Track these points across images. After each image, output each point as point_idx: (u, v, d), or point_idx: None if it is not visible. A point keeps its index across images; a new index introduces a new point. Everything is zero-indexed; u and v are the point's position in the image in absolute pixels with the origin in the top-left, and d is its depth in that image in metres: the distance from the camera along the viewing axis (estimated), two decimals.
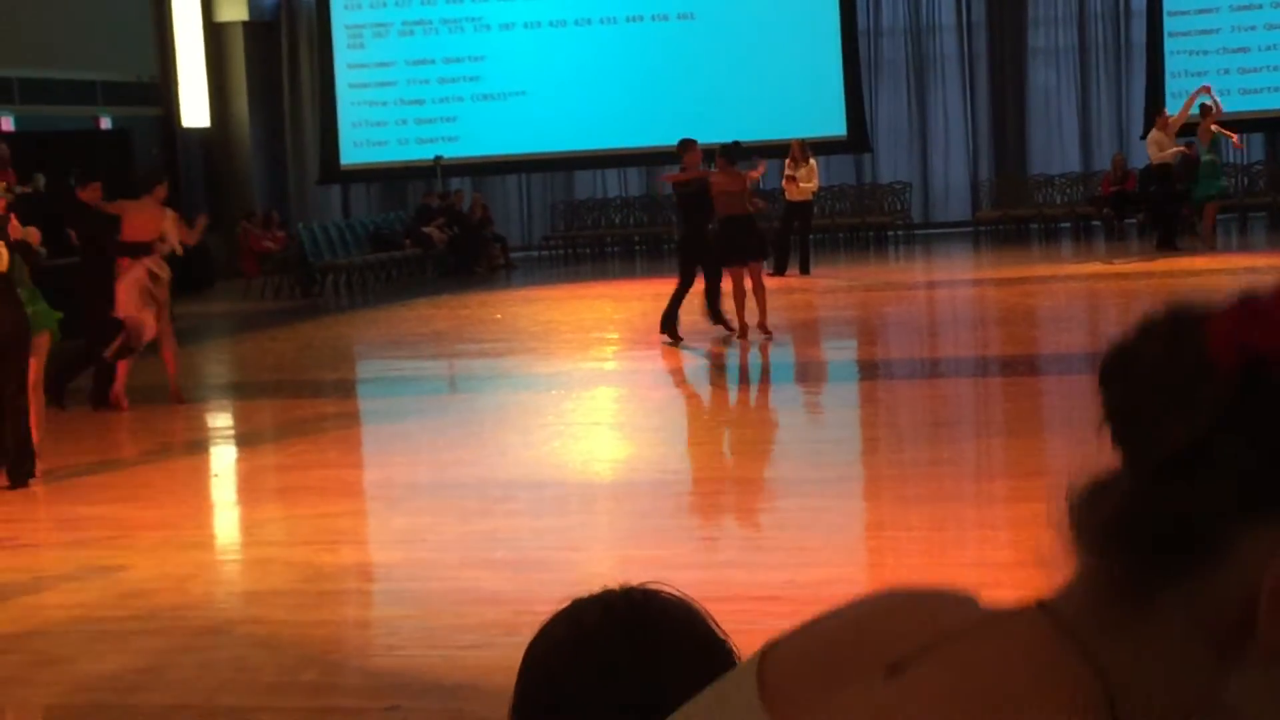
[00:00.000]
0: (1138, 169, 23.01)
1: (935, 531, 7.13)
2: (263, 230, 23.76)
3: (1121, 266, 18.82)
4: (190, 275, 21.13)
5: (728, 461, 9.30)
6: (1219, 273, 16.61)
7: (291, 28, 27.51)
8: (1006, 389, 11.39)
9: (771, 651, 1.01)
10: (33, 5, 21.42)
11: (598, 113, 25.62)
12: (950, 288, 19.16)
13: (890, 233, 25.91)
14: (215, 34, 26.08)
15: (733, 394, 12.40)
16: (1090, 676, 0.89)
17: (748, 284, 14.28)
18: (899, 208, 26.21)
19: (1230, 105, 21.83)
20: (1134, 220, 23.41)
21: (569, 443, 9.87)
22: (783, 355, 14.00)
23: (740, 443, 9.92)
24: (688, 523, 7.71)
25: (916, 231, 26.10)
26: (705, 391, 12.51)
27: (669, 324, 14.23)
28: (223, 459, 10.46)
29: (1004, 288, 17.55)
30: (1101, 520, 0.90)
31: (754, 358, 13.73)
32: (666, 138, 22.36)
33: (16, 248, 9.38)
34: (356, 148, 26.81)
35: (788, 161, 20.90)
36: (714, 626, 1.55)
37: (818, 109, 25.11)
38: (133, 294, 11.71)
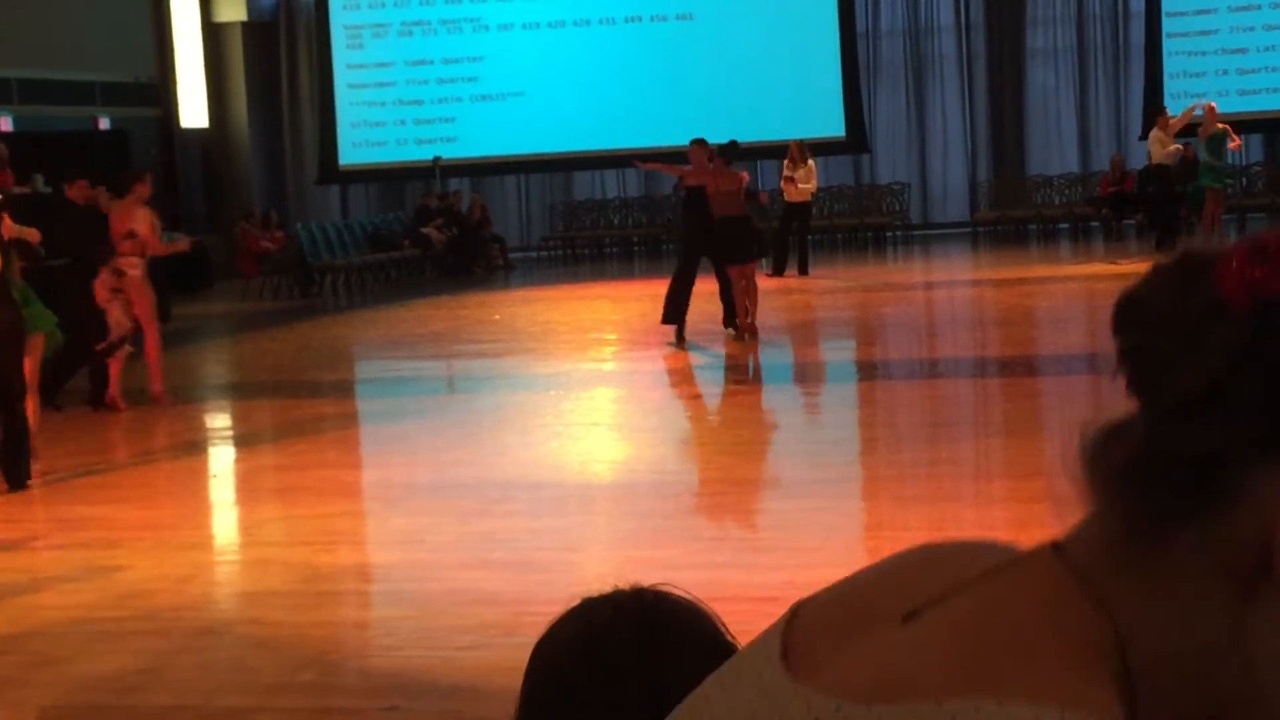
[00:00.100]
0: (1136, 170, 23.02)
1: (934, 532, 7.12)
2: (261, 230, 23.76)
3: (1120, 267, 18.82)
4: (189, 276, 21.15)
5: (726, 462, 9.29)
6: None
7: (290, 28, 27.51)
8: (1005, 390, 11.39)
9: (799, 610, 1.01)
10: (31, 6, 21.42)
11: (596, 113, 25.62)
12: (949, 288, 19.16)
13: (889, 233, 25.92)
14: (214, 34, 26.08)
15: (731, 395, 12.39)
16: (1101, 619, 0.89)
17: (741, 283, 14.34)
18: (897, 208, 26.22)
19: (1229, 106, 21.85)
20: (1132, 221, 23.43)
21: (567, 443, 9.87)
22: (781, 356, 14.00)
23: (739, 443, 9.91)
24: (686, 523, 7.71)
25: (915, 232, 26.11)
26: (704, 392, 12.50)
27: (674, 315, 14.23)
28: (221, 459, 10.45)
29: (1002, 288, 17.55)
30: (1117, 464, 0.90)
31: (752, 358, 13.73)
32: (665, 139, 22.42)
33: (14, 246, 9.37)
34: (355, 148, 26.82)
35: (786, 162, 20.90)
36: (722, 629, 1.55)
37: (816, 110, 25.12)
38: (103, 291, 11.75)
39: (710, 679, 1.04)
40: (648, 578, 1.61)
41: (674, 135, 22.21)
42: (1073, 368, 11.27)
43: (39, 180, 18.17)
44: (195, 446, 10.67)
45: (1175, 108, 22.11)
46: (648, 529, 7.53)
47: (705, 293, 14.52)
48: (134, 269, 11.90)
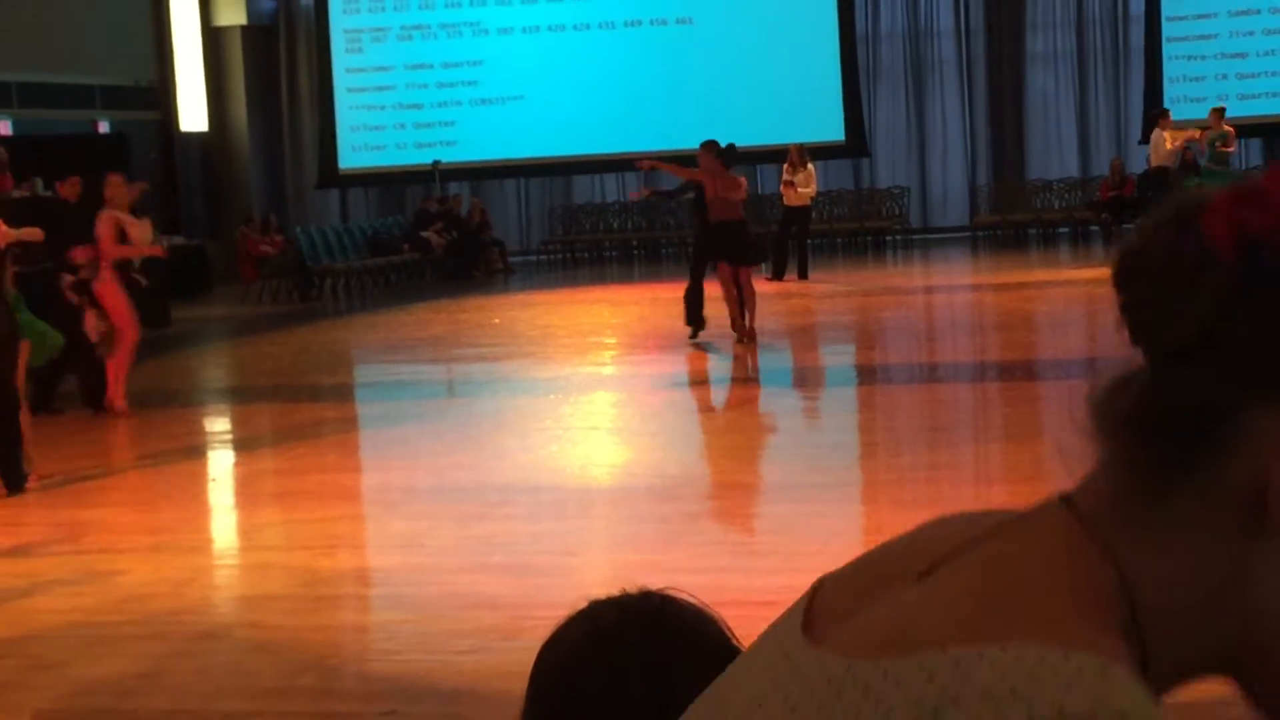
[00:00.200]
0: (1136, 174, 23.03)
1: None
2: (261, 234, 23.76)
3: None
4: (188, 280, 21.16)
5: (725, 466, 9.29)
6: None
7: (290, 32, 27.52)
8: (1005, 394, 11.39)
9: (822, 583, 1.03)
10: (31, 9, 21.43)
11: (596, 117, 25.63)
12: (948, 293, 19.16)
13: (888, 237, 25.92)
14: (213, 38, 26.09)
15: (730, 398, 12.39)
16: (1108, 569, 0.90)
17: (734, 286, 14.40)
18: (897, 212, 26.22)
19: (1228, 110, 21.84)
20: (1132, 225, 23.39)
21: (567, 447, 9.86)
22: (780, 360, 14.00)
23: (737, 447, 9.91)
24: (685, 527, 7.70)
25: (914, 236, 26.11)
26: (703, 396, 12.51)
27: (690, 318, 14.48)
28: (220, 463, 10.45)
29: (1002, 293, 17.55)
30: (1121, 413, 0.91)
31: (751, 362, 13.73)
32: (665, 143, 22.41)
33: (9, 252, 9.35)
34: (355, 152, 26.82)
35: (786, 167, 20.91)
36: (728, 632, 1.55)
37: (816, 114, 25.13)
38: (70, 294, 11.71)
39: (739, 657, 1.05)
40: (648, 581, 1.60)
41: (673, 139, 22.26)
42: (1072, 372, 11.26)
43: (39, 184, 18.17)
44: (194, 450, 10.66)
45: (1175, 112, 22.13)
46: (647, 533, 7.53)
47: (715, 296, 14.56)
48: (89, 272, 11.67)
